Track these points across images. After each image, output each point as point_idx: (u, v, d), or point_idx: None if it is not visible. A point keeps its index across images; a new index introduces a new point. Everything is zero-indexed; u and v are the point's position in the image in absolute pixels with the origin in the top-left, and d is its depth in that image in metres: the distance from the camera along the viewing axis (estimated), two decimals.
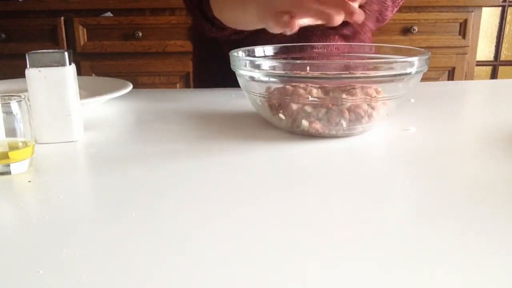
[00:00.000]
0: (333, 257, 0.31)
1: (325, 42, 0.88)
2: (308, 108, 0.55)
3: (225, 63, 0.64)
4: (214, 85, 0.90)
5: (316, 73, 0.56)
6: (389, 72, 0.54)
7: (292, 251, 0.32)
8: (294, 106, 0.56)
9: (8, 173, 0.47)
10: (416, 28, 1.84)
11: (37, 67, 0.55)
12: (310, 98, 0.55)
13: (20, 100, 0.48)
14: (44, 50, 0.56)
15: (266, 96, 0.58)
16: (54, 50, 0.56)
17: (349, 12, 0.56)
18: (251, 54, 0.68)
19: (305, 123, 0.56)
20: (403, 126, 0.62)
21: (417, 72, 0.55)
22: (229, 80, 0.77)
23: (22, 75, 0.57)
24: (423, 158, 0.51)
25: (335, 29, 0.81)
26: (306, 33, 0.83)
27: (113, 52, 1.86)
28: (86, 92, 0.77)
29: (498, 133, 0.59)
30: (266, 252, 0.32)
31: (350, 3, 0.57)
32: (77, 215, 0.38)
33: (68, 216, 0.38)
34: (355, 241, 0.33)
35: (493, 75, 2.19)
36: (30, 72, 0.55)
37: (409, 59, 0.55)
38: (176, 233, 0.35)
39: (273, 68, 0.56)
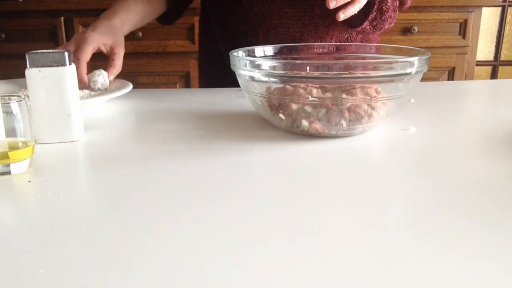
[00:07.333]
0: (333, 257, 0.31)
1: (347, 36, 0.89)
2: (308, 108, 0.55)
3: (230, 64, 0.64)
4: (219, 86, 0.90)
5: (316, 73, 0.55)
6: (389, 72, 0.54)
7: (292, 250, 0.32)
8: (294, 106, 0.56)
9: (8, 173, 0.47)
10: (416, 28, 1.84)
11: (37, 67, 0.55)
12: (310, 98, 0.55)
13: (20, 100, 0.48)
14: (44, 50, 0.56)
15: (266, 96, 0.58)
16: (54, 50, 0.56)
17: None
18: (251, 54, 0.68)
19: (305, 123, 0.56)
20: (403, 126, 0.62)
21: (417, 72, 0.55)
22: (233, 81, 0.77)
23: (22, 75, 0.57)
24: (423, 158, 0.51)
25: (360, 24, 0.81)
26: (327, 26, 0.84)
27: None
28: (86, 92, 0.77)
29: (498, 133, 0.59)
30: (266, 251, 0.32)
31: None
32: (77, 215, 0.38)
33: (68, 216, 0.38)
34: (355, 240, 0.33)
35: (493, 75, 2.19)
36: (30, 72, 0.55)
37: (409, 59, 0.55)
38: (176, 232, 0.35)
39: (273, 68, 0.56)
